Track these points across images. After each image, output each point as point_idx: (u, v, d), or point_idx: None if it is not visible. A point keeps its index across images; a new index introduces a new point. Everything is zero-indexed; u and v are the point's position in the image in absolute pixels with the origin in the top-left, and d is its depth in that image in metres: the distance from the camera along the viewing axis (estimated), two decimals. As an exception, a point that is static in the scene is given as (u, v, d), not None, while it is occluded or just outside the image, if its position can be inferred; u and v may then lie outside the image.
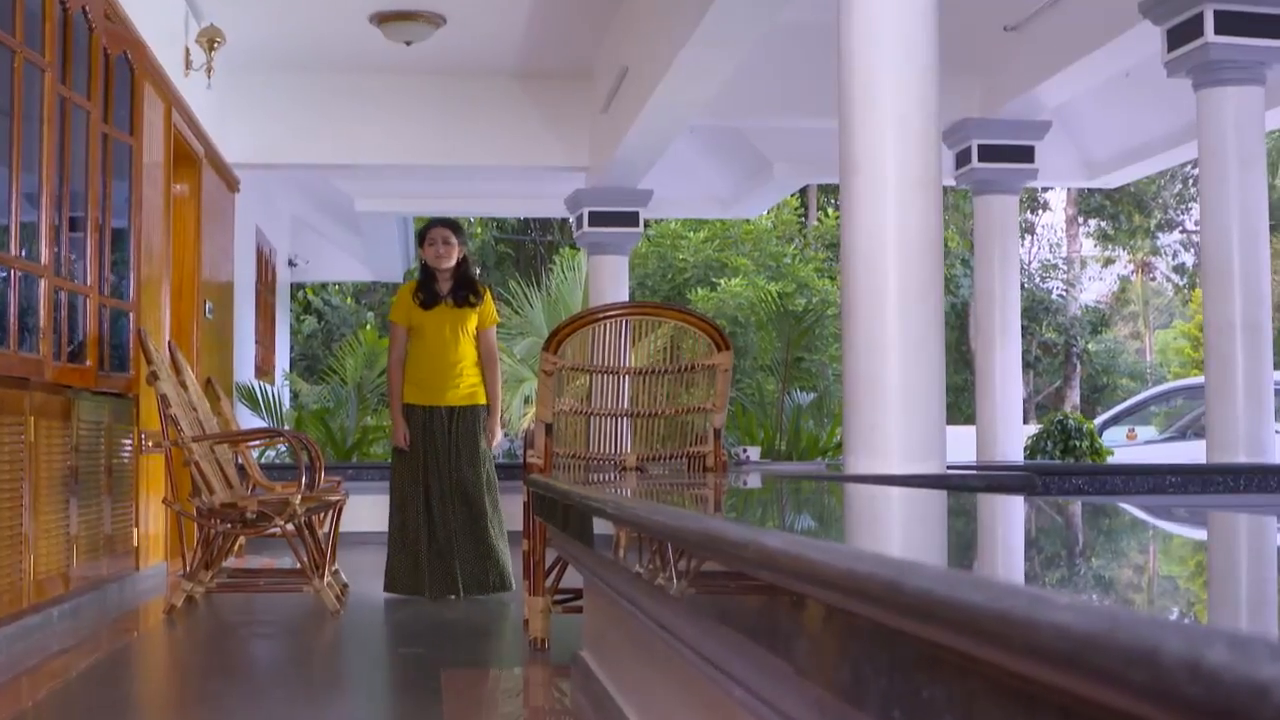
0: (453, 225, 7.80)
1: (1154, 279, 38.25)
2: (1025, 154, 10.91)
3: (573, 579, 5.46)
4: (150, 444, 8.00)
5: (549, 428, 5.47)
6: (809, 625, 1.54)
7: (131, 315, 7.66)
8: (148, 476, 8.12)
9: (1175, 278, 38.23)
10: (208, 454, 7.12)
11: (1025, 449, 11.09)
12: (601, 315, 5.48)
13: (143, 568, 7.96)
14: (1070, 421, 11.07)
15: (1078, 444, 10.84)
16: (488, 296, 7.77)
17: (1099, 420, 15.40)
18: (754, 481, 4.19)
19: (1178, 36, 7.73)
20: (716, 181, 14.81)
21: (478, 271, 8.54)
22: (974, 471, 6.54)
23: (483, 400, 7.58)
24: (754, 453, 10.09)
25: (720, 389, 5.45)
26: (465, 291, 7.65)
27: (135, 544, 7.83)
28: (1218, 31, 7.49)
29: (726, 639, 2.10)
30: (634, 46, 10.00)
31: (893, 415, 5.11)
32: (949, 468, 5.31)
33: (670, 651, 2.68)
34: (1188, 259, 37.61)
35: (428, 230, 7.79)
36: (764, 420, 12.51)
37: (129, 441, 7.73)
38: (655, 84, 9.18)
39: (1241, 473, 6.97)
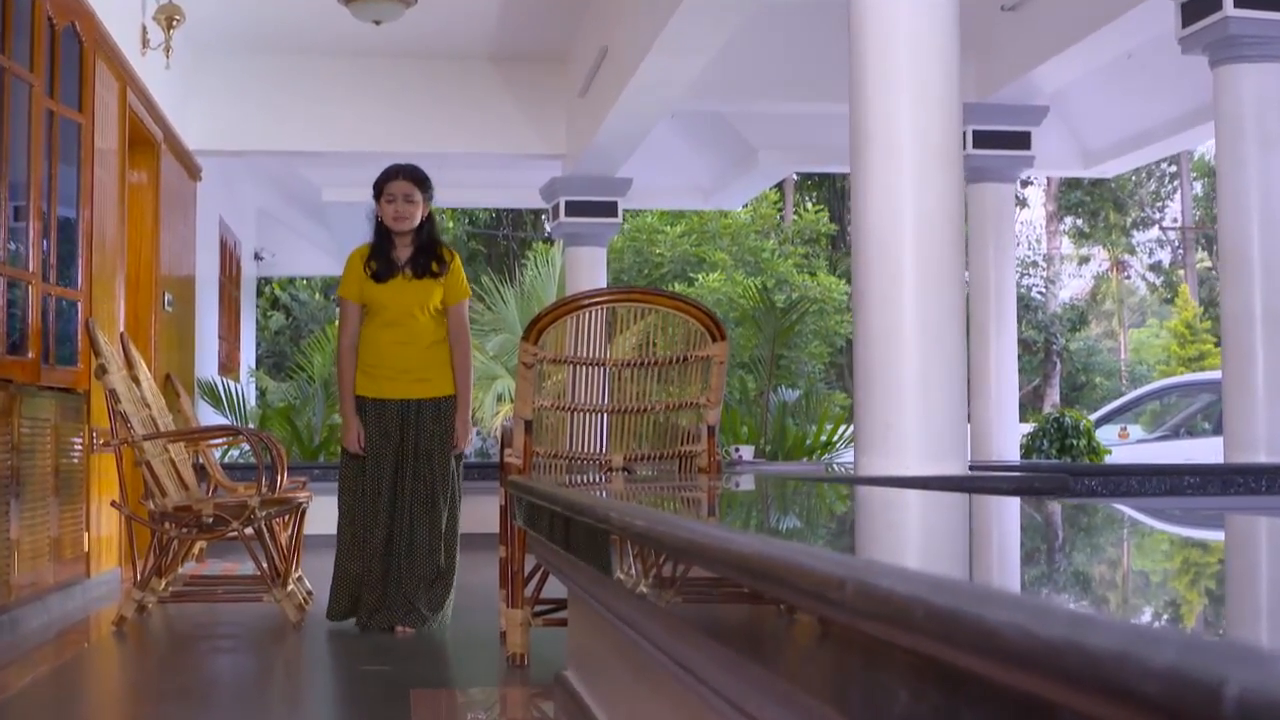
0: (417, 177, 6.32)
1: (1129, 278, 38.17)
2: (1022, 140, 10.51)
3: (554, 588, 5.01)
4: (101, 442, 7.50)
5: (529, 425, 5.02)
6: (844, 651, 1.18)
7: (80, 305, 7.18)
8: (100, 477, 7.64)
9: (1151, 276, 38.14)
10: (160, 453, 6.64)
11: (1020, 448, 10.70)
12: (587, 301, 5.03)
13: (94, 574, 7.51)
14: (1067, 419, 10.69)
15: (1074, 442, 10.46)
16: (457, 264, 6.37)
17: (1092, 418, 15.03)
18: (768, 486, 3.74)
19: (1193, 11, 7.32)
20: (699, 170, 14.39)
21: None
22: (1000, 473, 6.11)
23: (451, 391, 6.30)
24: (747, 452, 9.61)
25: (715, 383, 5.02)
26: (427, 259, 6.25)
27: (86, 549, 7.36)
28: (1238, 4, 7.08)
29: (735, 664, 1.73)
30: (614, 25, 9.60)
31: (910, 411, 4.65)
32: (970, 467, 4.87)
33: (667, 674, 2.28)
34: (1164, 257, 37.49)
35: (386, 182, 6.30)
36: (747, 418, 12.08)
37: (79, 440, 7.26)
38: (637, 63, 8.78)
39: (1263, 473, 6.57)
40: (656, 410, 5.10)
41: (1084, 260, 37.73)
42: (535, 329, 4.95)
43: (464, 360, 6.33)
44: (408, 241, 6.28)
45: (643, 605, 2.32)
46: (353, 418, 6.25)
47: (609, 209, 12.31)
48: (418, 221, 6.26)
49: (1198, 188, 35.10)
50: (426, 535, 6.17)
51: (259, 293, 20.83)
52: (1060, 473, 5.59)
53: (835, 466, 9.84)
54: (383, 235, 6.29)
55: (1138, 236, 36.75)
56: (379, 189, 6.32)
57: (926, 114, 4.70)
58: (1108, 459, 10.93)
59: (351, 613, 6.22)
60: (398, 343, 6.23)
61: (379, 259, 6.26)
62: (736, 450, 9.46)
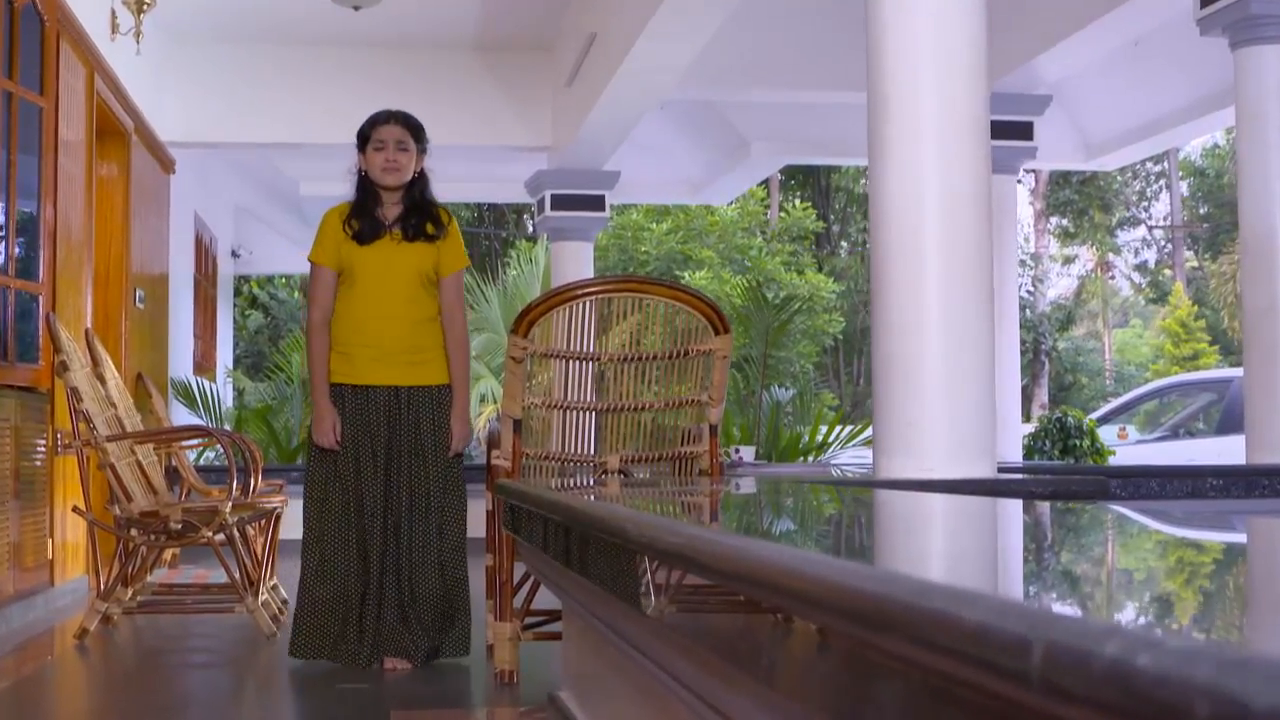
0: (412, 123, 5.37)
1: (1113, 278, 38.09)
2: (1024, 130, 10.17)
3: (545, 599, 4.67)
4: (64, 444, 7.12)
5: (517, 424, 4.67)
6: (867, 674, 1.05)
7: (42, 299, 6.82)
8: (65, 480, 7.29)
9: (1136, 277, 38.05)
10: (126, 456, 6.27)
11: (1022, 448, 10.38)
12: (581, 291, 4.68)
13: (59, 583, 7.15)
14: (1069, 419, 10.39)
15: (1078, 443, 10.17)
16: (454, 228, 5.40)
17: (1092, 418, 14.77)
18: (791, 492, 3.41)
19: (1213, -10, 7.00)
20: (689, 163, 14.05)
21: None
22: (1033, 475, 5.76)
23: (447, 379, 5.33)
24: (748, 454, 9.24)
25: (718, 379, 4.69)
26: (421, 219, 5.29)
27: (50, 556, 7.01)
28: (1260, -17, 6.76)
29: (754, 690, 1.49)
30: (603, 10, 9.27)
31: (934, 408, 4.30)
32: (1000, 470, 4.53)
33: (675, 699, 2.01)
34: (1149, 257, 37.35)
35: (375, 126, 5.33)
36: (739, 419, 11.76)
37: (42, 441, 6.90)
38: (626, 50, 8.45)
39: (1291, 474, 6.24)
40: (654, 409, 4.76)
41: (1069, 260, 37.60)
42: (525, 321, 4.61)
43: (460, 342, 5.35)
44: (396, 199, 5.32)
45: (651, 623, 2.01)
46: (327, 404, 5.22)
47: (596, 203, 11.97)
48: (409, 176, 5.31)
49: (1184, 188, 34.95)
50: (420, 556, 5.21)
51: (237, 291, 20.49)
52: (1097, 474, 5.25)
53: (838, 468, 9.50)
54: (367, 191, 5.33)
55: (1122, 236, 36.63)
56: (365, 136, 5.35)
57: (952, 82, 4.36)
58: (1110, 460, 10.63)
59: (322, 650, 5.19)
60: (383, 317, 5.25)
61: (362, 217, 5.28)
62: (737, 452, 9.07)
